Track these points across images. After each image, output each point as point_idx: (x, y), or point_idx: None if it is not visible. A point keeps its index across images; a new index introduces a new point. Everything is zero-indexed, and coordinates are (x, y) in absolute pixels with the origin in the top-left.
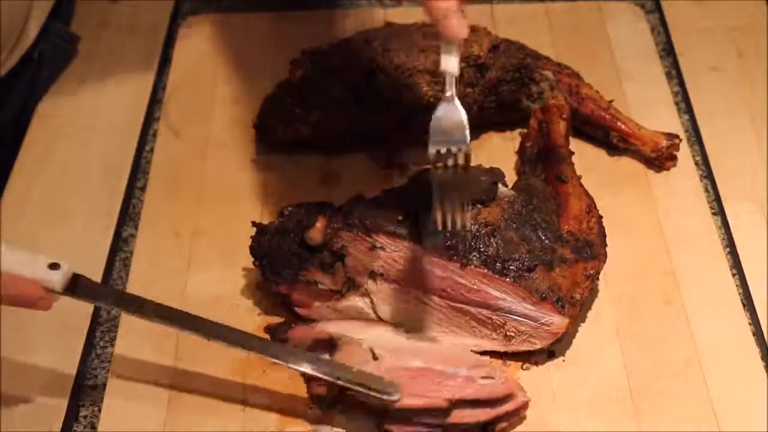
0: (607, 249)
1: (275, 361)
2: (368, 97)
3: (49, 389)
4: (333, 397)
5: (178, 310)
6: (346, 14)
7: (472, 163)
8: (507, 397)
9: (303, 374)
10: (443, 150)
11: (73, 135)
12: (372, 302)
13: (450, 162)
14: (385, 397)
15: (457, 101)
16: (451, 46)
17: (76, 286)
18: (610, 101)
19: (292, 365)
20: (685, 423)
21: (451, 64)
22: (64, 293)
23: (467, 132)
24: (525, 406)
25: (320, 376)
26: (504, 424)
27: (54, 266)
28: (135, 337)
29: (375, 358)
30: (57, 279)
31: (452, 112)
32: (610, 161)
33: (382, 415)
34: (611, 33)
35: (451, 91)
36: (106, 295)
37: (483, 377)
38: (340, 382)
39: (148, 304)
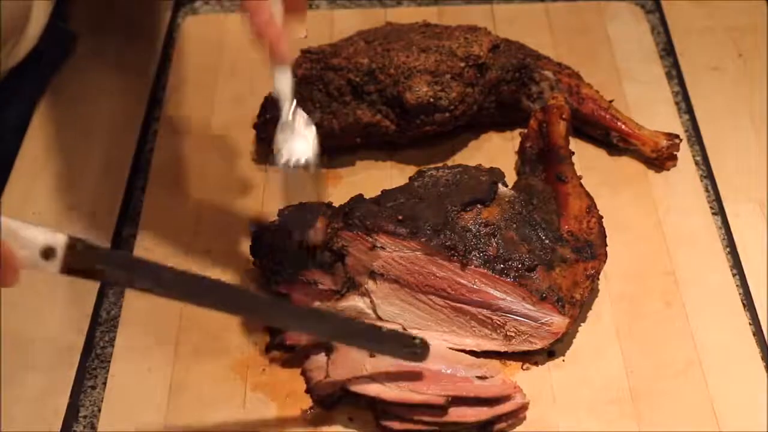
0: (607, 249)
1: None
2: (368, 96)
3: (49, 389)
4: (335, 398)
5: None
6: (346, 14)
7: (472, 163)
8: (504, 397)
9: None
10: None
11: (73, 134)
12: (372, 302)
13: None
14: (414, 356)
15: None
16: (284, 68)
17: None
18: (610, 101)
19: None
20: (685, 423)
21: (284, 85)
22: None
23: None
24: (524, 407)
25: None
26: (503, 425)
27: (48, 254)
28: (135, 337)
29: (372, 355)
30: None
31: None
32: (610, 161)
33: (381, 412)
34: (611, 33)
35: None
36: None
37: (479, 377)
38: (363, 344)
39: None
